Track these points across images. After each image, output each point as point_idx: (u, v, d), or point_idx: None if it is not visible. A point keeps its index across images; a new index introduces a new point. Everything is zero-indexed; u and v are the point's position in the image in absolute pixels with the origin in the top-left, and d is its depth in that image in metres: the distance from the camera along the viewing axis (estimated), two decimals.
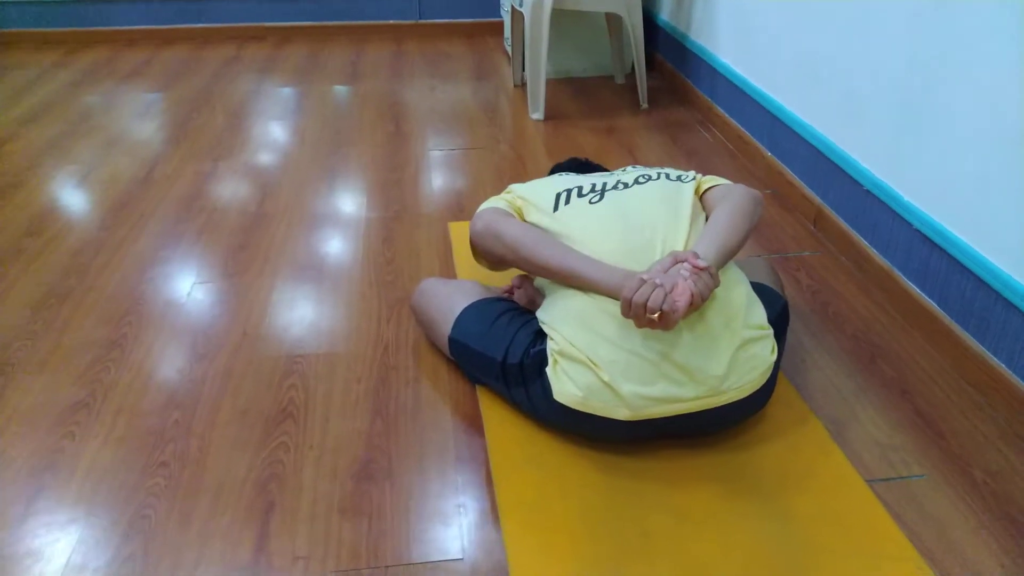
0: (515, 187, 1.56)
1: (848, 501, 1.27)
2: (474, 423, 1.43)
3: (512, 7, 3.07)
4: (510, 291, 1.62)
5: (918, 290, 1.72)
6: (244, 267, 1.94)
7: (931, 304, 1.67)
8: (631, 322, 1.23)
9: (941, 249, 1.63)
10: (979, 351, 1.52)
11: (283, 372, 1.57)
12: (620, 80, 3.31)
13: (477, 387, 1.51)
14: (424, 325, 1.61)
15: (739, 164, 2.53)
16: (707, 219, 1.40)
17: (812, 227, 2.15)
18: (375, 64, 3.60)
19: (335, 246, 2.04)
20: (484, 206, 1.49)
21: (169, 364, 1.59)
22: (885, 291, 1.82)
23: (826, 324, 1.74)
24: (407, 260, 1.98)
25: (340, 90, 3.24)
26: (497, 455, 1.34)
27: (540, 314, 1.37)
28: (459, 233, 2.10)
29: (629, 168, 1.59)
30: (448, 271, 1.92)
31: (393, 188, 2.37)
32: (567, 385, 1.27)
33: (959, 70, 1.55)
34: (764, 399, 1.33)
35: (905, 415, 1.47)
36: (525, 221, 1.45)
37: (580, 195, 1.43)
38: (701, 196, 1.47)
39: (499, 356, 1.38)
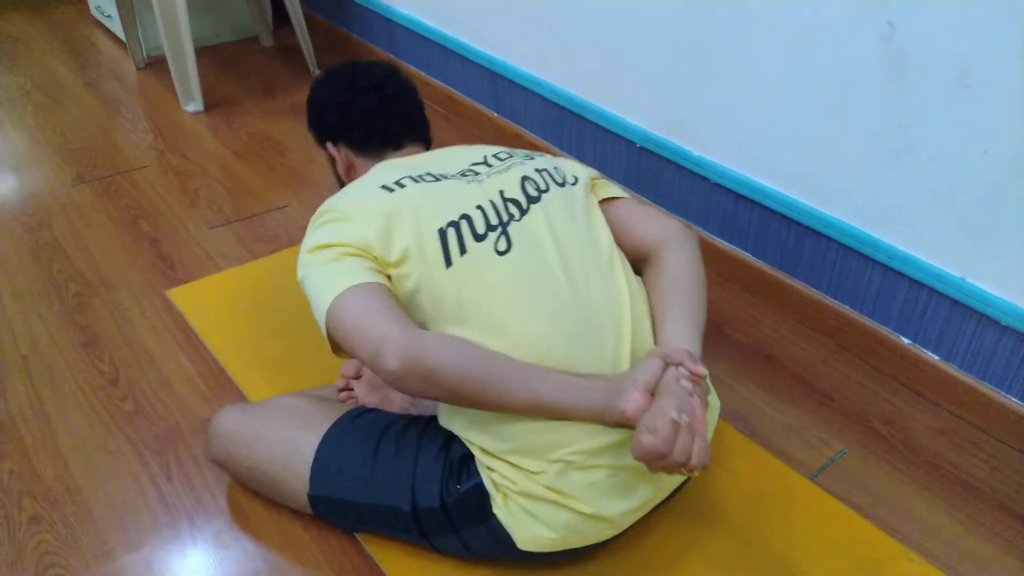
0: (340, 207, 1.02)
1: (812, 513, 1.18)
2: None
3: None
4: (347, 387, 1.21)
5: (727, 244, 1.68)
6: None
7: (748, 257, 1.64)
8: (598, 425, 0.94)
9: (750, 200, 1.59)
10: (817, 297, 1.53)
11: None
12: (269, 43, 2.77)
13: (359, 535, 1.12)
14: (253, 484, 1.13)
15: (459, 128, 2.27)
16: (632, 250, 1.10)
17: None
18: None
19: (14, 374, 1.36)
20: (327, 277, 0.95)
21: None
22: None
23: None
24: (137, 367, 1.40)
25: None
26: None
27: (465, 433, 0.98)
28: (186, 300, 1.55)
29: (480, 147, 1.17)
30: (205, 363, 1.40)
31: (48, 256, 1.67)
32: (535, 530, 0.95)
33: (748, 4, 1.46)
34: None
35: (787, 385, 1.43)
36: (388, 278, 0.98)
37: (477, 236, 0.99)
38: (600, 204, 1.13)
39: (405, 504, 0.99)
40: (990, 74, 1.17)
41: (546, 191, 1.07)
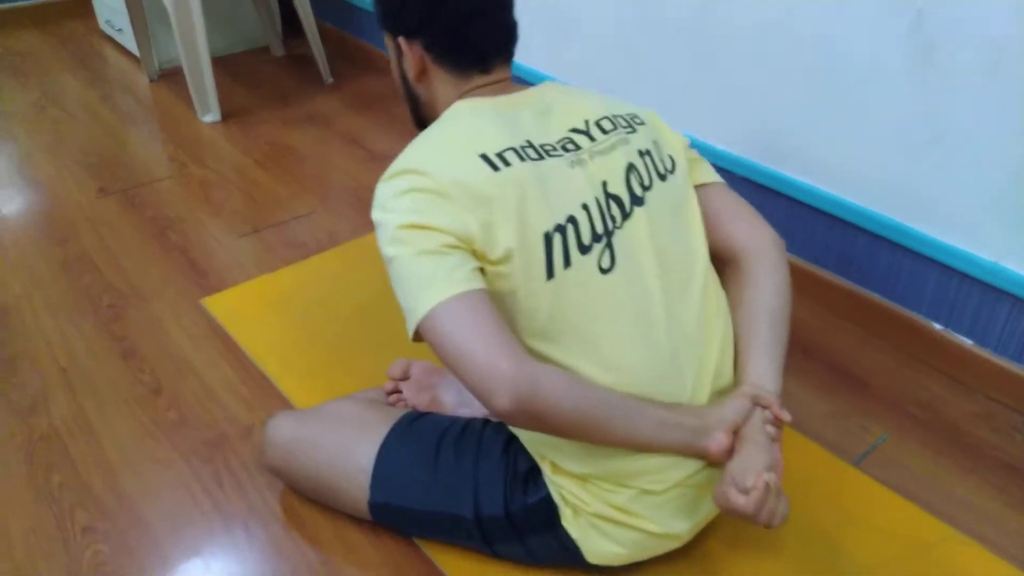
0: (433, 172, 0.88)
1: (860, 498, 1.20)
2: None
3: None
4: (395, 390, 1.22)
5: None
6: None
7: None
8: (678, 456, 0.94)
9: (777, 193, 1.60)
10: (847, 286, 1.54)
11: None
12: (280, 52, 2.78)
13: (417, 540, 1.12)
14: (311, 491, 1.13)
15: None
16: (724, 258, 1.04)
17: None
18: None
19: (55, 386, 1.37)
20: (426, 273, 0.85)
21: None
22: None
23: None
24: (179, 378, 1.41)
25: None
26: None
27: (537, 448, 0.96)
28: (222, 309, 1.56)
29: (577, 98, 1.02)
30: (246, 371, 1.41)
31: (78, 269, 1.68)
32: (605, 545, 0.96)
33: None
34: None
35: (823, 374, 1.44)
36: (482, 279, 0.88)
37: (582, 248, 0.91)
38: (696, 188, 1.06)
39: (467, 511, 1.00)
40: (1020, 59, 1.18)
41: (649, 188, 0.98)
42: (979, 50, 1.22)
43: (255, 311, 1.56)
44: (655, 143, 1.03)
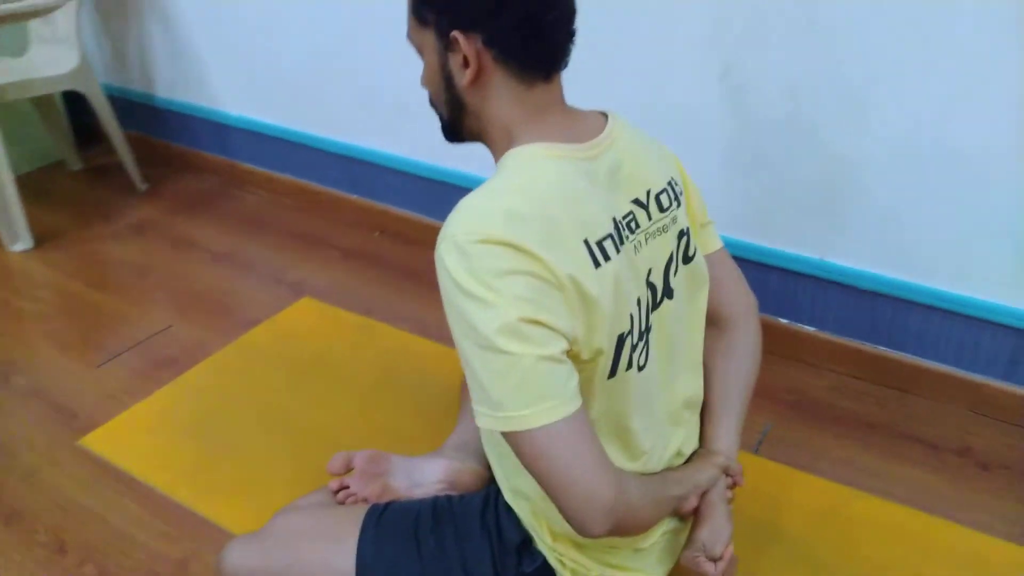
0: (541, 253, 0.77)
1: (769, 480, 1.36)
2: None
3: None
4: (342, 486, 1.20)
5: None
6: None
7: None
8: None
9: None
10: None
11: None
12: (77, 165, 2.61)
13: None
14: None
15: (324, 217, 2.25)
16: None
17: None
18: None
19: None
20: (536, 383, 0.77)
21: None
22: None
23: None
24: (82, 528, 1.29)
25: None
26: None
27: (534, 519, 0.99)
28: (106, 446, 1.45)
29: (641, 147, 0.93)
30: (155, 503, 1.32)
31: None
32: None
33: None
34: None
35: None
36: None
37: (634, 347, 0.87)
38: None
39: None
40: (812, 88, 1.44)
41: (676, 274, 0.95)
42: (780, 88, 1.47)
43: (144, 440, 1.47)
44: (687, 222, 0.98)
